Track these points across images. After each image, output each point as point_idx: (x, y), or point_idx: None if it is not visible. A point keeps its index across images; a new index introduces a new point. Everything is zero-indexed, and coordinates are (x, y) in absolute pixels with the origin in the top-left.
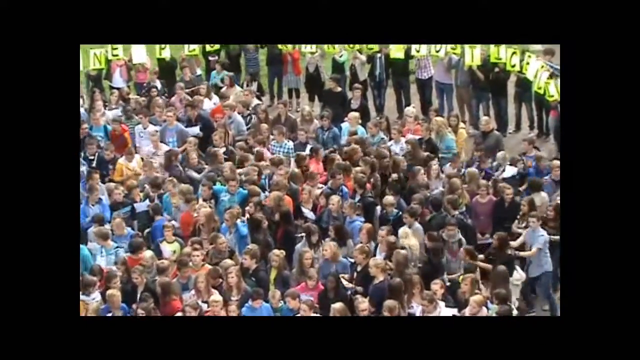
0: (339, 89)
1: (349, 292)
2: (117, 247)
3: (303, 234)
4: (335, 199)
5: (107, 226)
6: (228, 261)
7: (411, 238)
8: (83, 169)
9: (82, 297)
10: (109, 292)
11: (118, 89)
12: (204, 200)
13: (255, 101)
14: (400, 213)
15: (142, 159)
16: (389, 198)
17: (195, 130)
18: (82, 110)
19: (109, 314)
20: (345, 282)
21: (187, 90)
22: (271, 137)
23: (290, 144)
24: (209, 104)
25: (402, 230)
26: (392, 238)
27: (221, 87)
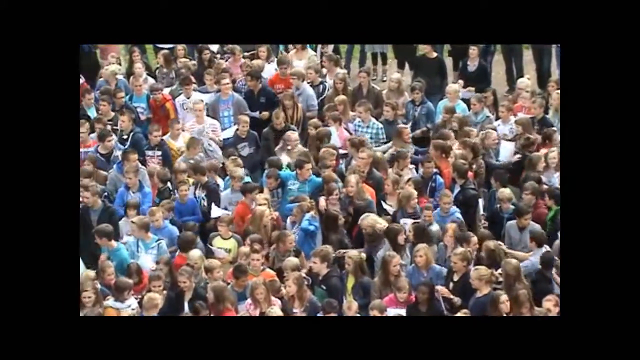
0: (435, 54)
1: (444, 305)
2: (159, 239)
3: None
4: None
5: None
6: (290, 264)
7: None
8: (119, 153)
9: (112, 303)
10: (148, 295)
11: (166, 49)
12: (271, 191)
13: (337, 69)
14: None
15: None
16: (505, 191)
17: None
18: (120, 77)
19: None
20: (441, 294)
21: (246, 53)
22: (352, 113)
23: (379, 124)
24: (270, 70)
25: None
26: (491, 243)
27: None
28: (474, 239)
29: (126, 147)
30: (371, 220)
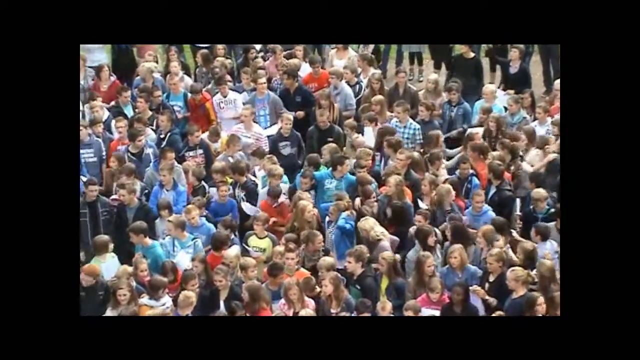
0: (472, 54)
1: (478, 306)
2: (195, 238)
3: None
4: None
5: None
6: (325, 263)
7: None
8: (149, 151)
9: (147, 301)
10: (183, 293)
11: (205, 47)
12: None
13: (371, 69)
14: (553, 210)
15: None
16: (540, 191)
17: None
18: (157, 75)
19: None
20: (476, 294)
21: (284, 52)
22: (388, 113)
23: (416, 125)
24: (306, 69)
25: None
26: (529, 244)
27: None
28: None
29: (163, 145)
30: (367, 226)
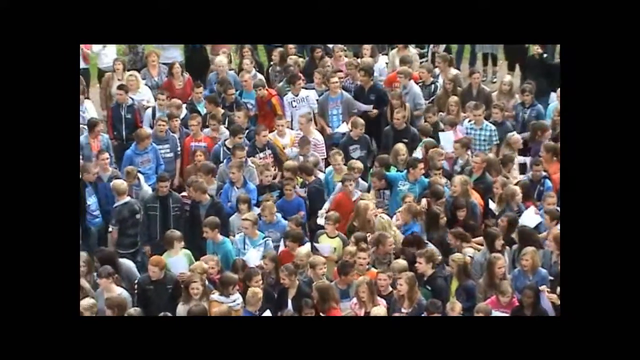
0: (545, 55)
1: (548, 309)
2: (266, 237)
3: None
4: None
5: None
6: (400, 263)
7: None
8: (227, 141)
9: (217, 297)
10: (251, 290)
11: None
12: (377, 191)
13: (451, 70)
14: None
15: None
16: None
17: (367, 107)
18: (231, 72)
19: None
20: (547, 297)
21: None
22: (462, 114)
23: (492, 126)
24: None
25: None
26: None
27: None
28: None
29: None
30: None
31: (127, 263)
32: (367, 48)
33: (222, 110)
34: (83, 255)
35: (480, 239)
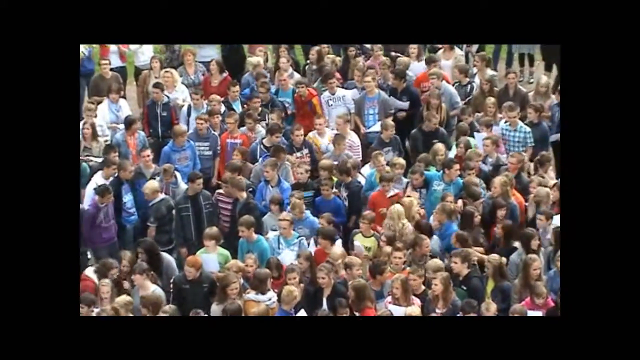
0: None
1: None
2: (300, 236)
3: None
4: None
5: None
6: (436, 263)
7: None
8: (264, 140)
9: (253, 296)
10: (286, 288)
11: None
12: (415, 189)
13: (488, 70)
14: None
15: (338, 134)
16: None
17: (404, 104)
18: (263, 70)
19: None
20: None
21: (393, 53)
22: (499, 115)
23: (526, 127)
24: (418, 68)
25: None
26: None
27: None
28: None
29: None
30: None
31: (168, 257)
32: (413, 48)
33: (260, 109)
34: (126, 253)
35: (481, 249)
